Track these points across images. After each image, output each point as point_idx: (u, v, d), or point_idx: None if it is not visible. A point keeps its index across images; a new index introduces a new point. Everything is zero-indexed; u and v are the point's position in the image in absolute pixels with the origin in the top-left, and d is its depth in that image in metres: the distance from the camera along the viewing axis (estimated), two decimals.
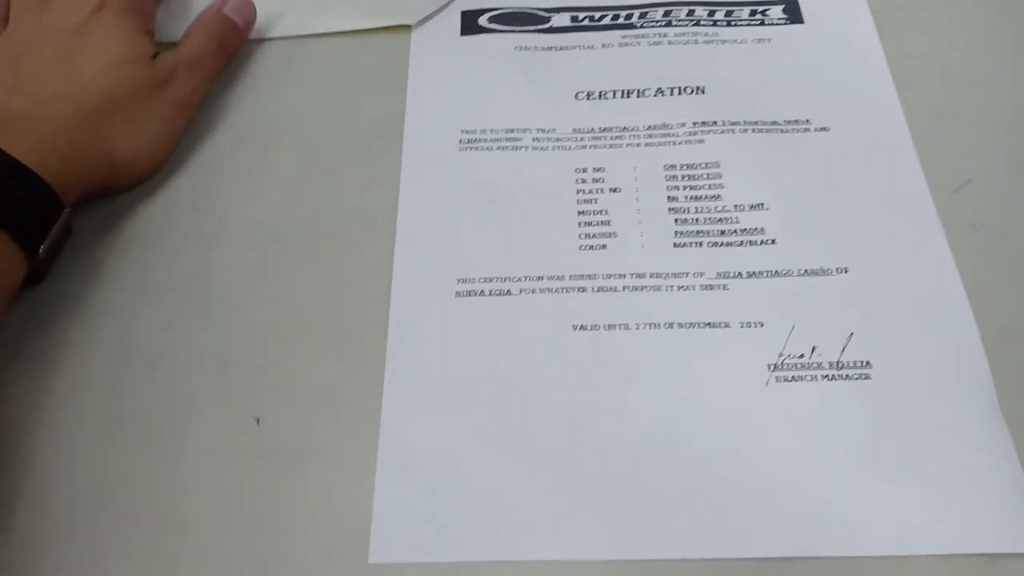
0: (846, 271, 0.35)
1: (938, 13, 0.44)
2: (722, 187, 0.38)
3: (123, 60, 0.38)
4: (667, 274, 0.36)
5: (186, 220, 0.38)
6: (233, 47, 0.42)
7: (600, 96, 0.41)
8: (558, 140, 0.40)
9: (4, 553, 0.30)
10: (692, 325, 0.34)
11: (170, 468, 0.32)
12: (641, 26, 0.44)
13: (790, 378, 0.33)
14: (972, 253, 0.36)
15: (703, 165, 0.39)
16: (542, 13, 0.45)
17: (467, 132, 0.40)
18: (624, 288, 0.35)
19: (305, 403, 0.33)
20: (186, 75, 0.40)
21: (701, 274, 0.36)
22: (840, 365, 0.33)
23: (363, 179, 0.39)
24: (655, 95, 0.41)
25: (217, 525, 0.31)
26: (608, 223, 0.37)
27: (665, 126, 0.40)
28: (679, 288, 0.35)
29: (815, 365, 0.33)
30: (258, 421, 0.33)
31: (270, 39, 0.44)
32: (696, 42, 0.43)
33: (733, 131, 0.40)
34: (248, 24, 0.43)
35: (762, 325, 0.34)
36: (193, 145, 0.41)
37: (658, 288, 0.35)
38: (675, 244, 0.37)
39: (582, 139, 0.40)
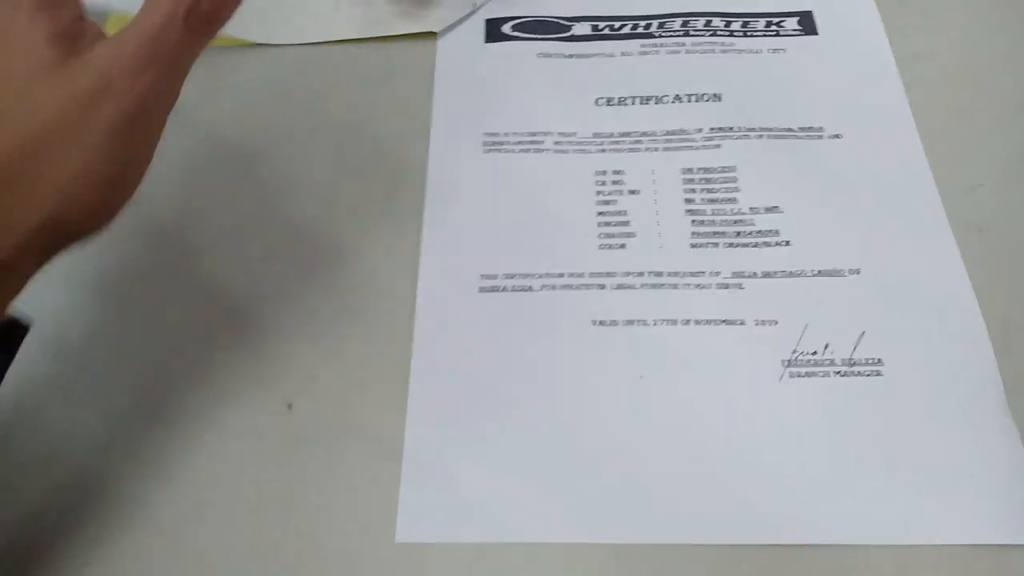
0: (858, 272, 0.36)
1: (948, 23, 0.45)
2: (738, 190, 0.39)
3: (22, 77, 0.27)
4: (684, 273, 0.37)
5: (221, 214, 0.40)
6: (211, 13, 0.28)
7: (620, 102, 0.43)
8: (579, 144, 0.41)
9: (63, 525, 0.32)
10: (708, 322, 0.36)
11: (207, 450, 0.33)
12: (660, 36, 0.45)
13: (803, 374, 0.34)
14: (980, 255, 0.37)
15: (719, 169, 0.40)
16: (564, 22, 0.46)
17: (491, 135, 0.42)
18: (642, 286, 0.37)
19: (335, 390, 0.34)
20: (131, 75, 0.27)
21: (717, 273, 0.37)
22: (852, 362, 0.34)
23: (390, 179, 0.41)
24: (673, 102, 0.43)
25: (250, 504, 0.32)
26: (627, 223, 0.39)
27: (683, 131, 0.41)
28: (696, 287, 0.37)
29: (827, 362, 0.34)
30: (290, 407, 0.34)
31: (301, 45, 0.46)
32: (713, 51, 0.44)
33: (749, 137, 0.41)
34: None
35: (776, 323, 0.35)
36: (228, 141, 0.42)
37: (675, 286, 0.37)
38: (692, 244, 0.38)
39: (602, 143, 0.41)
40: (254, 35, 0.46)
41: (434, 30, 0.45)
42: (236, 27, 0.45)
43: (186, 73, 0.29)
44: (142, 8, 0.28)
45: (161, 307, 0.37)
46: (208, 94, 0.44)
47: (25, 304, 0.28)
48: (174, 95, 0.29)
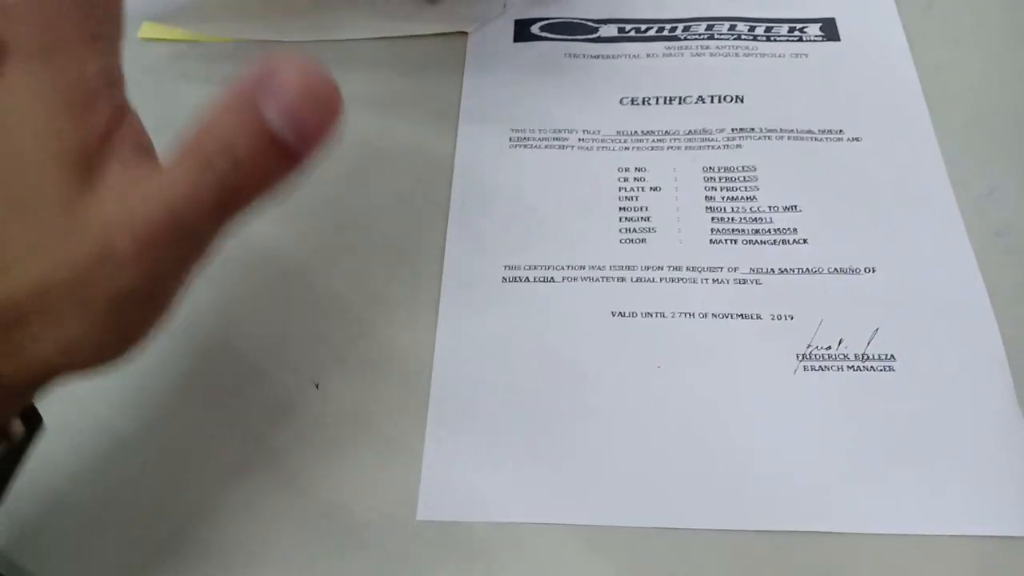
0: (874, 271, 0.37)
1: (968, 31, 0.46)
2: (757, 189, 0.40)
3: (19, 200, 0.20)
4: (702, 268, 0.38)
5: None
6: (246, 189, 0.21)
7: (644, 102, 0.44)
8: (602, 141, 0.42)
9: (94, 501, 0.33)
10: (725, 316, 0.36)
11: (235, 426, 0.35)
12: (685, 38, 0.46)
13: (817, 367, 0.35)
14: (996, 258, 0.37)
15: (740, 168, 0.41)
16: (591, 24, 0.47)
17: (517, 131, 0.43)
18: (661, 279, 0.38)
19: (361, 370, 0.36)
20: (139, 249, 0.20)
21: (735, 269, 0.38)
22: (865, 357, 0.35)
23: (418, 172, 0.42)
24: (696, 102, 0.44)
25: (275, 481, 0.33)
26: (648, 219, 0.40)
27: (705, 131, 0.42)
28: (713, 281, 0.37)
29: (841, 356, 0.35)
30: (317, 386, 0.35)
31: (333, 42, 0.47)
32: (737, 55, 0.45)
33: (770, 138, 0.42)
34: (311, 137, 0.22)
35: (792, 318, 0.36)
36: None
37: (694, 281, 0.38)
38: (711, 240, 0.39)
39: (625, 141, 0.42)
40: (283, 35, 0.47)
41: (466, 30, 0.47)
42: (267, 29, 0.47)
43: (212, 246, 0.22)
44: (170, 164, 0.21)
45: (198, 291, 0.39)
46: None
47: None
48: (194, 265, 0.23)
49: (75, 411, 0.34)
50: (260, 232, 0.40)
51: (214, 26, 0.48)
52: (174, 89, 0.46)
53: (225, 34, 0.48)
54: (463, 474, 0.33)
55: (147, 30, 0.48)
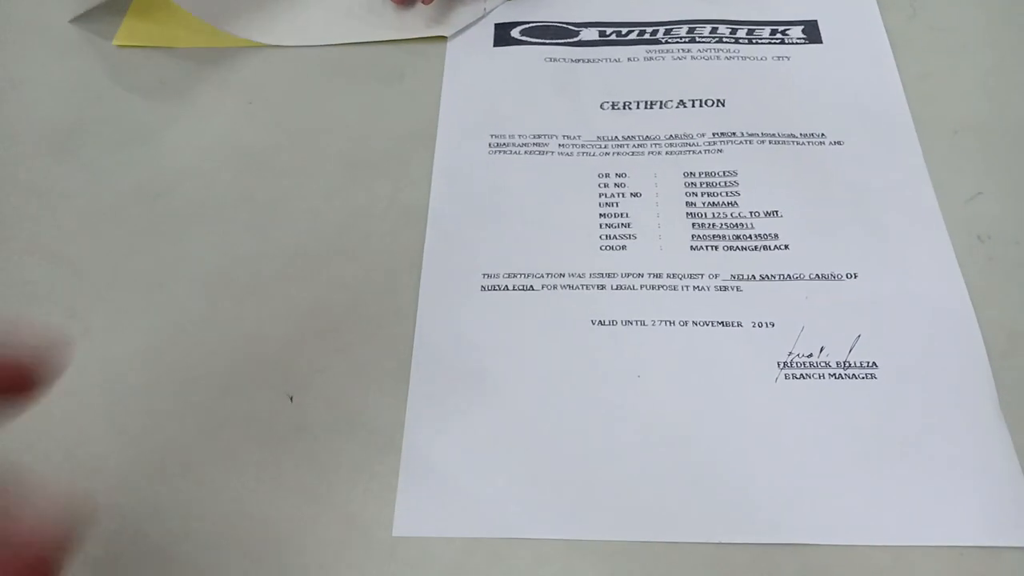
0: (855, 276, 0.37)
1: (951, 35, 0.45)
2: (739, 195, 0.40)
3: None
4: (683, 275, 0.37)
5: (229, 209, 0.41)
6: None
7: (624, 107, 0.43)
8: (583, 147, 0.42)
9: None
10: (706, 323, 0.36)
11: (209, 440, 0.34)
12: (666, 42, 0.46)
13: (799, 375, 0.34)
14: (979, 263, 0.37)
15: (721, 173, 0.40)
16: (571, 27, 0.47)
17: (496, 137, 0.43)
18: (642, 287, 0.37)
19: (338, 383, 0.35)
20: None
21: (716, 276, 0.37)
22: (847, 365, 0.35)
23: (397, 178, 0.41)
24: (677, 107, 0.43)
25: (250, 495, 0.33)
26: (628, 225, 0.39)
27: (686, 136, 0.42)
28: (694, 288, 0.37)
29: (823, 364, 0.35)
30: (291, 399, 0.35)
31: (313, 47, 0.47)
32: (718, 58, 0.45)
33: (751, 142, 0.41)
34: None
35: (773, 325, 0.36)
36: (238, 140, 0.43)
37: (674, 288, 0.37)
38: (692, 247, 0.38)
39: (606, 146, 0.42)
40: (264, 37, 0.47)
41: (445, 34, 0.46)
42: (247, 29, 0.46)
43: None
44: None
45: (168, 296, 0.38)
46: (219, 94, 0.45)
47: None
48: None
49: (56, 428, 0.34)
50: (231, 240, 0.39)
51: (189, 31, 0.47)
52: (150, 96, 0.46)
53: (201, 40, 0.47)
54: (441, 489, 0.32)
55: (123, 36, 0.48)
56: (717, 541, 0.31)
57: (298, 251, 0.39)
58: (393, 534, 0.32)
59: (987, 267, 0.37)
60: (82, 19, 0.49)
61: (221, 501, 0.33)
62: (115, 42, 0.48)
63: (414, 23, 0.47)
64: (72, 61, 0.48)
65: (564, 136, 0.42)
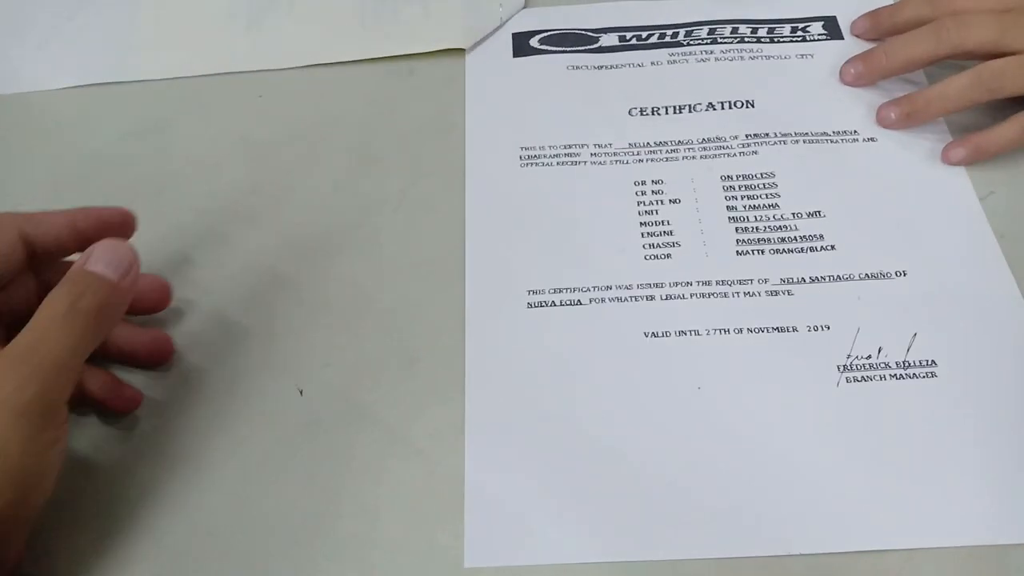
0: (905, 274, 0.37)
1: None
2: (779, 196, 0.39)
3: None
4: (732, 281, 0.37)
5: (245, 205, 0.41)
6: (100, 311, 0.29)
7: (653, 112, 0.43)
8: (615, 154, 0.41)
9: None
10: (761, 330, 0.35)
11: (224, 428, 0.34)
12: (688, 44, 0.45)
13: (860, 378, 0.34)
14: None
15: (759, 175, 0.40)
16: (591, 34, 0.46)
17: (526, 149, 0.42)
18: (691, 296, 0.37)
19: (359, 377, 0.35)
20: (12, 370, 0.27)
21: (765, 280, 0.37)
22: (907, 364, 0.34)
23: (420, 173, 0.41)
24: (706, 109, 0.43)
25: (264, 485, 0.33)
26: (671, 233, 0.39)
27: (718, 139, 0.41)
28: (745, 295, 0.37)
29: (883, 365, 0.34)
30: (301, 392, 0.35)
31: (331, 64, 0.46)
32: (742, 58, 0.44)
33: (785, 142, 0.41)
34: (125, 274, 0.30)
35: (828, 328, 0.35)
36: (257, 136, 0.43)
37: (725, 295, 0.37)
38: (738, 252, 0.38)
39: (638, 153, 0.41)
40: (280, 62, 0.46)
41: (462, 47, 0.45)
42: (261, 58, 0.45)
43: (77, 368, 0.29)
44: (38, 309, 0.29)
45: (181, 291, 0.38)
46: (241, 114, 0.44)
47: None
48: (65, 389, 0.28)
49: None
50: (256, 238, 0.38)
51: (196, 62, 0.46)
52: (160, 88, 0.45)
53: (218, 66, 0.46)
54: (508, 516, 0.32)
55: None
56: (789, 553, 0.31)
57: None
58: (465, 565, 0.31)
59: (1008, 264, 0.37)
60: None
61: (229, 493, 0.33)
62: None
63: (429, 35, 0.46)
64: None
65: (596, 145, 0.42)
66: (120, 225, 0.34)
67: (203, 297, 0.38)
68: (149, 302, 0.36)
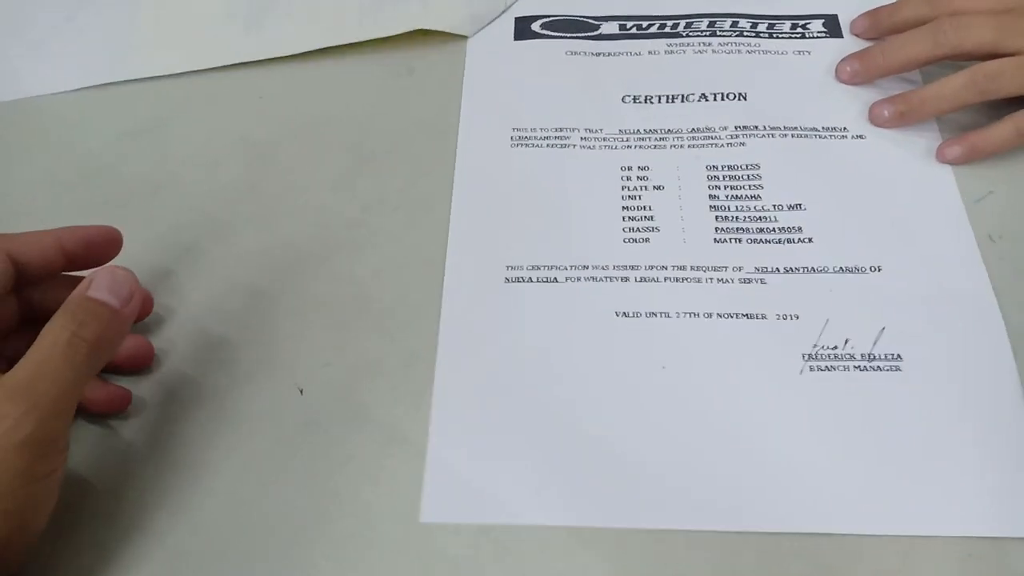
0: (879, 269, 0.37)
1: None
2: (762, 188, 0.40)
3: None
4: (707, 267, 0.37)
5: (243, 204, 0.41)
6: (102, 340, 0.29)
7: (646, 100, 0.44)
8: (605, 140, 0.42)
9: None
10: (730, 316, 0.36)
11: (225, 428, 0.34)
12: (687, 35, 0.46)
13: (824, 367, 0.34)
14: (991, 262, 0.37)
15: (744, 167, 0.40)
16: (592, 21, 0.47)
17: (518, 130, 0.43)
18: (665, 279, 0.37)
19: (358, 376, 0.35)
20: (11, 405, 0.27)
21: (740, 268, 0.37)
22: (872, 357, 0.35)
23: (419, 171, 0.42)
24: (699, 100, 0.43)
25: (263, 485, 0.33)
26: (651, 218, 0.39)
27: (708, 129, 0.42)
28: (718, 281, 0.37)
29: (848, 356, 0.35)
30: (302, 391, 0.35)
31: (330, 63, 0.46)
32: (739, 52, 0.45)
33: (773, 135, 0.41)
34: (127, 302, 0.30)
35: (798, 318, 0.36)
36: (256, 135, 0.44)
37: (698, 280, 0.37)
38: (715, 240, 0.38)
39: (628, 139, 0.42)
40: (281, 48, 0.47)
41: (466, 34, 0.46)
42: (261, 46, 0.46)
43: (76, 397, 0.29)
44: (36, 339, 0.29)
45: (179, 290, 0.38)
46: (240, 114, 0.45)
47: None
48: (65, 421, 0.28)
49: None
50: (255, 237, 0.40)
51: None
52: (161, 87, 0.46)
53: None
54: (468, 476, 0.33)
55: None
56: (738, 530, 0.31)
57: (321, 244, 0.39)
58: (421, 520, 0.32)
59: (999, 266, 0.37)
60: None
61: (229, 493, 0.33)
62: None
63: (433, 18, 0.47)
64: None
65: (586, 129, 0.42)
66: (106, 244, 0.34)
67: (203, 296, 0.38)
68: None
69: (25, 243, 0.32)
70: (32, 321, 0.33)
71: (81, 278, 0.30)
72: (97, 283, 0.30)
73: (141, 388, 0.35)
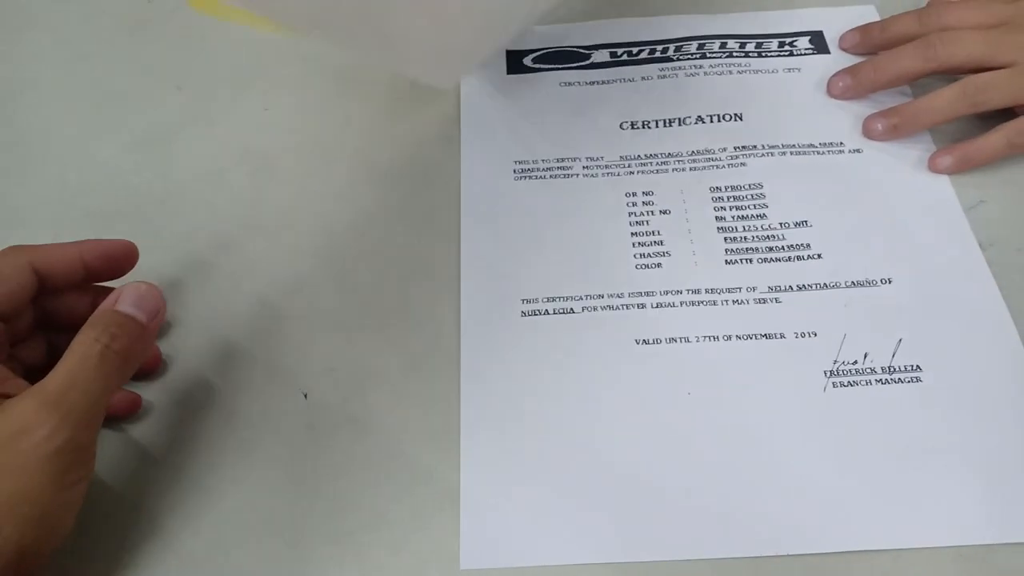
0: (890, 281, 0.37)
1: None
2: (766, 206, 0.40)
3: None
4: (721, 289, 0.38)
5: (253, 215, 0.42)
6: (130, 353, 0.30)
7: (644, 125, 0.44)
8: (607, 167, 0.42)
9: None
10: (750, 337, 0.36)
11: (230, 432, 0.35)
12: (677, 59, 0.46)
13: (846, 383, 0.35)
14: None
15: (747, 187, 0.41)
16: (583, 51, 0.47)
17: (520, 163, 0.43)
18: (681, 304, 0.37)
19: (388, 415, 0.35)
20: (47, 415, 0.28)
21: (753, 288, 0.38)
22: (892, 369, 0.35)
23: (425, 209, 0.41)
24: (696, 123, 0.44)
25: (269, 488, 0.34)
26: (661, 243, 0.39)
27: (707, 151, 0.42)
28: (733, 302, 0.37)
29: (869, 370, 0.35)
30: (306, 396, 0.36)
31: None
32: (731, 72, 0.46)
33: (772, 154, 0.42)
34: (153, 316, 0.32)
35: (815, 335, 0.36)
36: (254, 144, 0.44)
37: (714, 303, 0.37)
38: (726, 261, 0.39)
39: (630, 166, 0.42)
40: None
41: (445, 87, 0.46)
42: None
43: (105, 406, 0.30)
44: (67, 350, 0.30)
45: (186, 297, 0.39)
46: (244, 126, 0.45)
47: None
48: (84, 438, 0.29)
49: None
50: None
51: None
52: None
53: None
54: (503, 519, 0.32)
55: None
56: (782, 554, 0.31)
57: (330, 296, 0.39)
58: (461, 567, 0.31)
59: (996, 275, 0.37)
60: None
61: (235, 496, 0.33)
62: (189, 3, 0.49)
63: (424, 71, 0.46)
64: None
65: (587, 158, 0.43)
66: (124, 257, 0.35)
67: (210, 303, 0.39)
68: None
69: (49, 255, 0.33)
70: (44, 327, 0.34)
71: (95, 288, 0.33)
72: (125, 298, 0.31)
73: (149, 392, 0.36)
